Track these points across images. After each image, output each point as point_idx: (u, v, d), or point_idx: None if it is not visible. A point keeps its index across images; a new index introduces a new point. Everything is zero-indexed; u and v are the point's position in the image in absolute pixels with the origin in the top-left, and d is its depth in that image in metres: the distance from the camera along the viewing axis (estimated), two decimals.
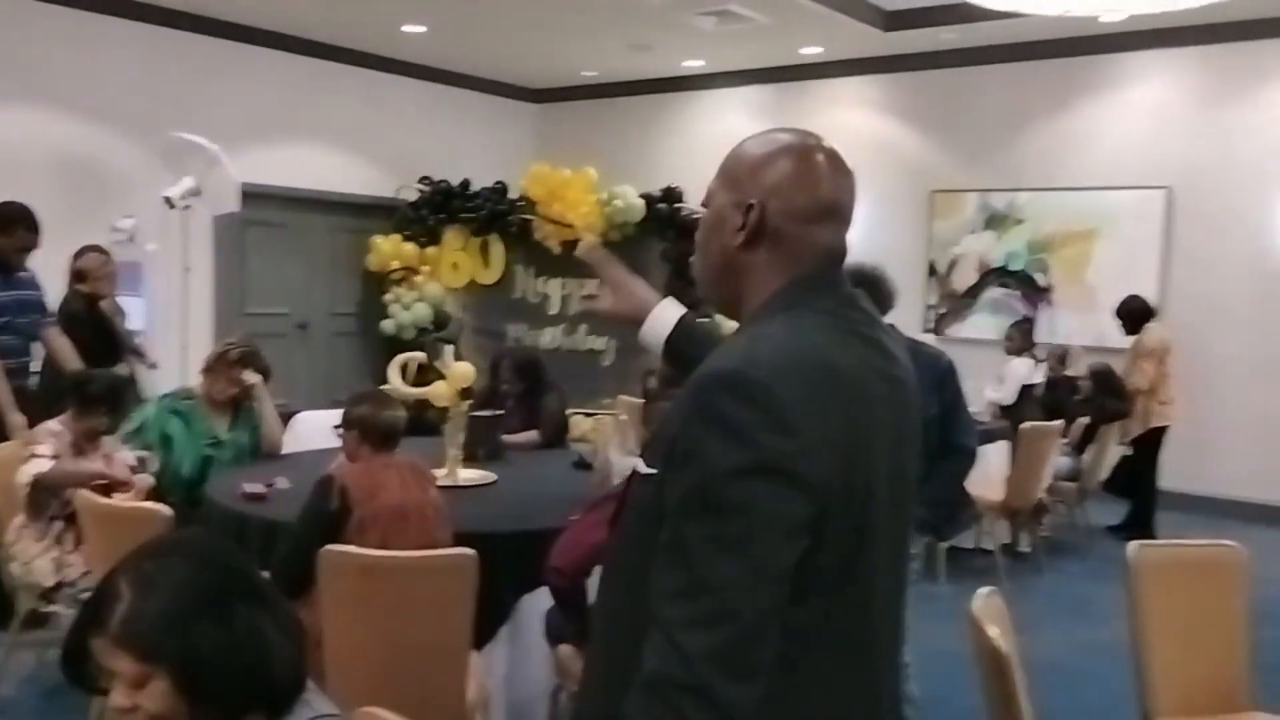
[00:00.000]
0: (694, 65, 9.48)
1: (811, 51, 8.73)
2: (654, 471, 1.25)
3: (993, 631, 2.19)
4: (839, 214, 1.40)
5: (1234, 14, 6.21)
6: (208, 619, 1.30)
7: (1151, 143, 7.74)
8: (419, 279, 9.09)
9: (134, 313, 6.39)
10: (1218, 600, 2.85)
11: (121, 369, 5.27)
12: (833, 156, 1.41)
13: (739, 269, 1.40)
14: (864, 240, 8.37)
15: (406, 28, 8.39)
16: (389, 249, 9.10)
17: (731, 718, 1.10)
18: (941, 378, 3.43)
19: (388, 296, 9.08)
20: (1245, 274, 7.38)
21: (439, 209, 9.22)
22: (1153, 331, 6.77)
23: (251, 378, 4.26)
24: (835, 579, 1.21)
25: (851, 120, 9.10)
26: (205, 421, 4.17)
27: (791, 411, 1.16)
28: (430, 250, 9.19)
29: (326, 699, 1.44)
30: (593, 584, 3.10)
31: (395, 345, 8.61)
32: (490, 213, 9.20)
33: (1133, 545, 2.84)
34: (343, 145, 9.23)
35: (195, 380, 4.49)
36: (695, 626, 1.11)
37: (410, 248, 9.12)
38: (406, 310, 9.00)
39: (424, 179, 9.28)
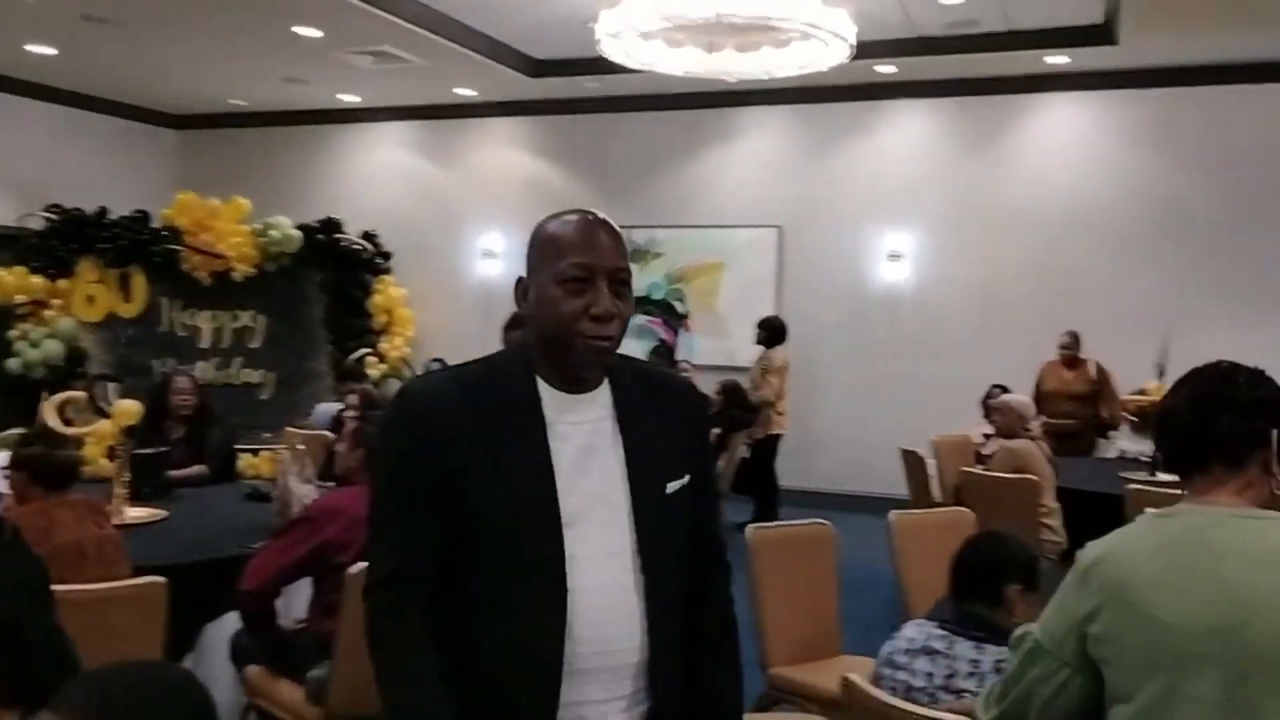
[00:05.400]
0: (350, 99, 9.57)
1: (465, 93, 9.13)
2: (688, 478, 1.62)
3: None
4: None
5: (827, 80, 7.31)
6: None
7: (766, 186, 8.85)
8: (49, 313, 8.43)
9: None
10: (815, 570, 3.52)
11: None
12: None
13: None
14: (523, 272, 8.92)
15: (31, 47, 7.85)
16: (12, 282, 8.37)
17: None
18: None
19: (12, 333, 8.34)
20: (842, 299, 8.63)
21: (71, 239, 8.60)
22: (780, 350, 7.74)
23: None
24: None
25: (504, 159, 9.61)
26: None
27: None
28: (62, 283, 8.55)
29: None
30: (282, 604, 3.27)
31: (23, 385, 7.98)
32: (130, 243, 8.74)
33: (749, 528, 3.45)
34: None
35: None
36: None
37: (39, 280, 8.44)
38: (35, 348, 8.30)
39: (52, 206, 8.63)
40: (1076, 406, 7.16)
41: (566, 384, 1.57)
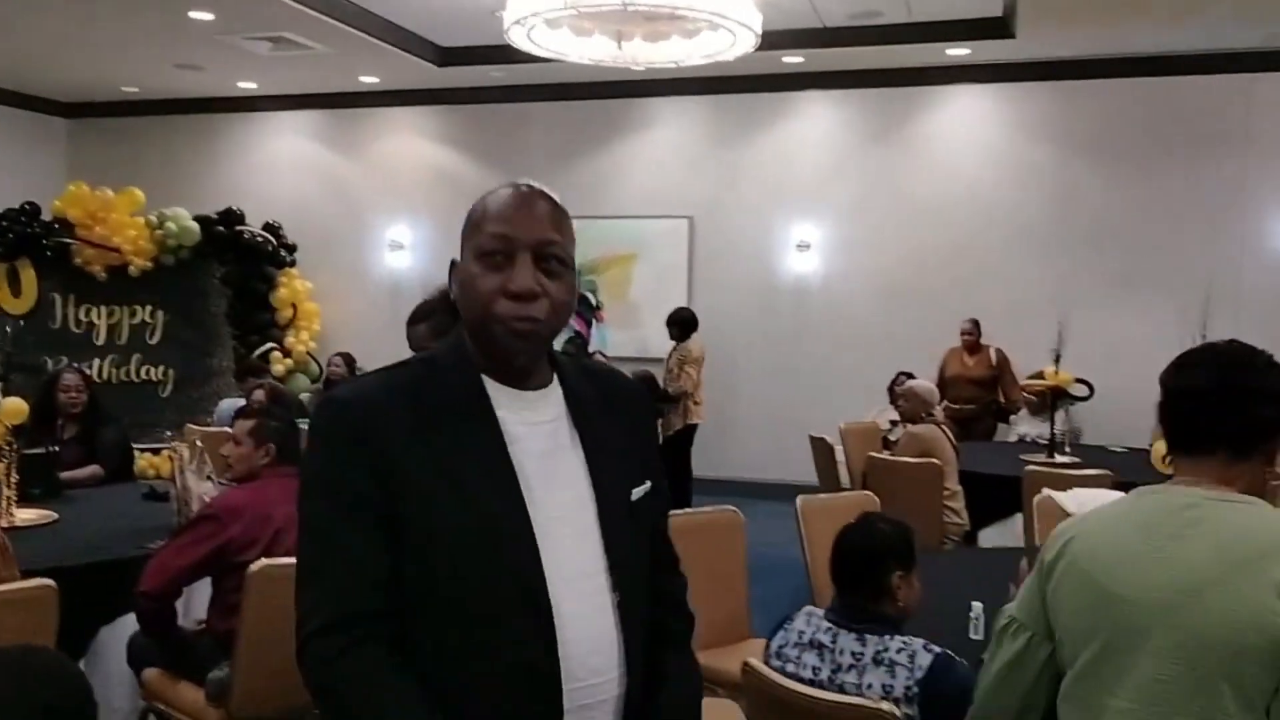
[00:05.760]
0: (249, 87, 9.32)
1: (370, 81, 8.96)
2: (649, 484, 1.47)
3: None
4: None
5: (736, 70, 7.36)
6: None
7: (677, 177, 8.87)
8: None
9: None
10: (724, 556, 3.55)
11: None
12: None
13: None
14: (431, 264, 8.81)
15: None
16: None
17: None
18: None
19: None
20: (752, 289, 8.71)
21: None
22: (696, 340, 7.77)
23: None
24: None
25: (411, 148, 9.47)
26: None
27: None
28: None
29: None
30: (182, 605, 3.18)
31: None
32: (19, 236, 8.41)
33: None
34: None
35: None
36: None
37: None
38: None
39: None
40: (977, 391, 7.37)
41: (513, 379, 1.39)
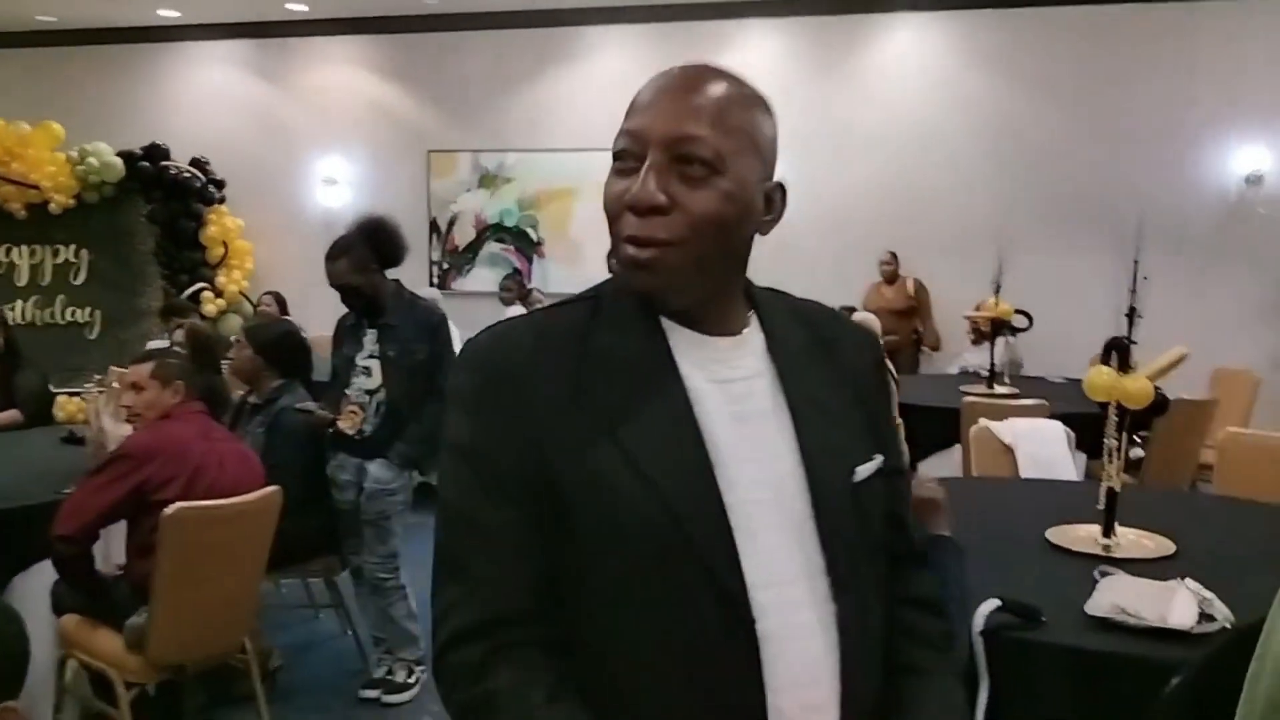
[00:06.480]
0: (171, 15, 8.92)
1: (297, 8, 8.63)
2: (879, 459, 1.14)
3: None
4: None
5: None
6: None
7: (618, 108, 8.55)
8: None
9: None
10: None
11: None
12: None
13: (743, 260, 1.13)
14: (367, 199, 8.58)
15: None
16: None
17: None
18: (434, 327, 3.75)
19: None
20: None
21: None
22: None
23: None
24: None
25: (344, 79, 9.15)
26: None
27: None
28: None
29: None
30: (100, 549, 3.07)
31: None
32: None
33: None
34: None
35: None
36: None
37: None
38: None
39: None
40: (897, 322, 7.48)
41: (693, 321, 1.08)
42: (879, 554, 1.14)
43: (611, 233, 1.06)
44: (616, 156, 1.07)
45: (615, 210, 1.05)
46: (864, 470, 1.11)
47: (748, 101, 1.07)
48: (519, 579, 1.02)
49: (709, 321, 1.09)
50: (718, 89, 1.05)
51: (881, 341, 1.15)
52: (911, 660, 1.17)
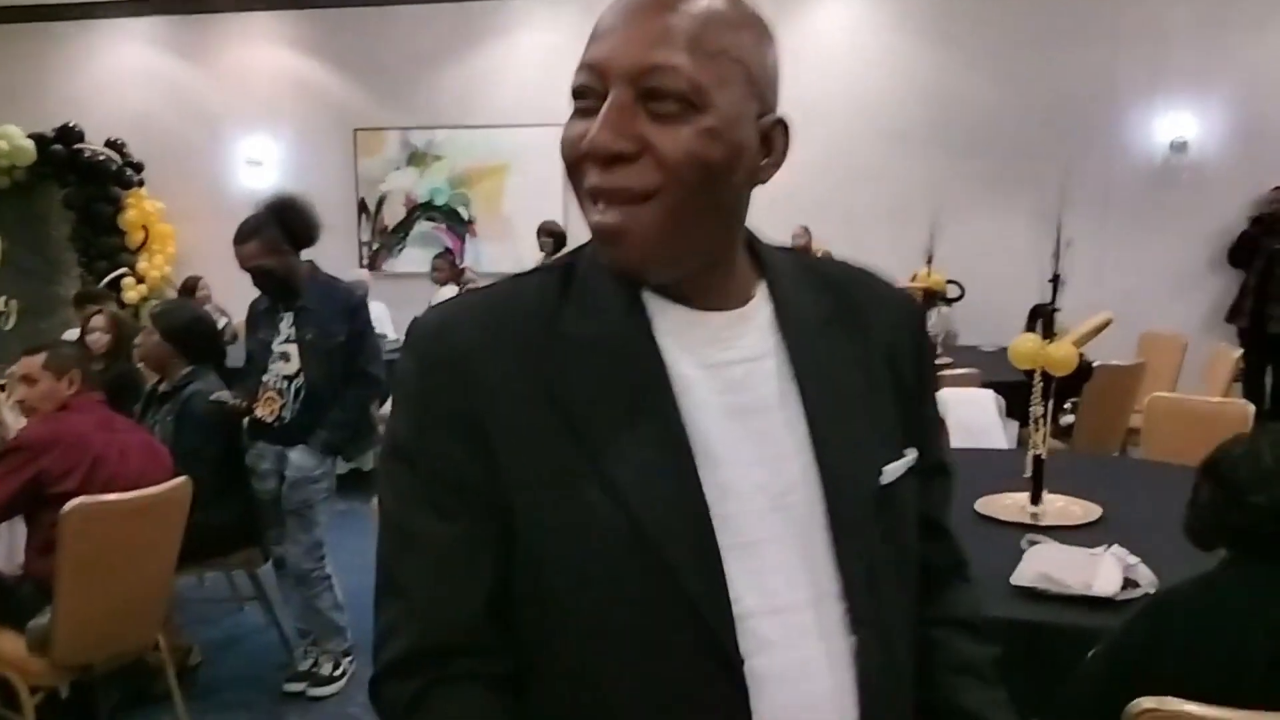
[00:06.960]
0: None
1: None
2: (913, 454, 0.96)
3: None
4: None
5: None
6: None
7: (548, 83, 8.51)
8: None
9: None
10: None
11: None
12: None
13: (740, 216, 0.93)
14: (293, 180, 8.35)
15: None
16: None
17: None
18: (354, 309, 3.63)
19: None
20: None
21: None
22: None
23: None
24: None
25: (267, 57, 8.89)
26: None
27: None
28: None
29: None
30: (3, 548, 2.93)
31: None
32: None
33: None
34: None
35: None
36: None
37: None
38: None
39: None
40: None
41: (682, 294, 0.89)
42: (909, 572, 0.95)
43: (573, 187, 0.88)
44: (576, 94, 0.87)
45: (572, 157, 0.86)
46: (893, 470, 0.92)
47: (736, 21, 0.86)
48: (465, 603, 0.86)
49: (701, 293, 0.89)
50: (696, 6, 0.84)
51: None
52: (956, 700, 0.98)
